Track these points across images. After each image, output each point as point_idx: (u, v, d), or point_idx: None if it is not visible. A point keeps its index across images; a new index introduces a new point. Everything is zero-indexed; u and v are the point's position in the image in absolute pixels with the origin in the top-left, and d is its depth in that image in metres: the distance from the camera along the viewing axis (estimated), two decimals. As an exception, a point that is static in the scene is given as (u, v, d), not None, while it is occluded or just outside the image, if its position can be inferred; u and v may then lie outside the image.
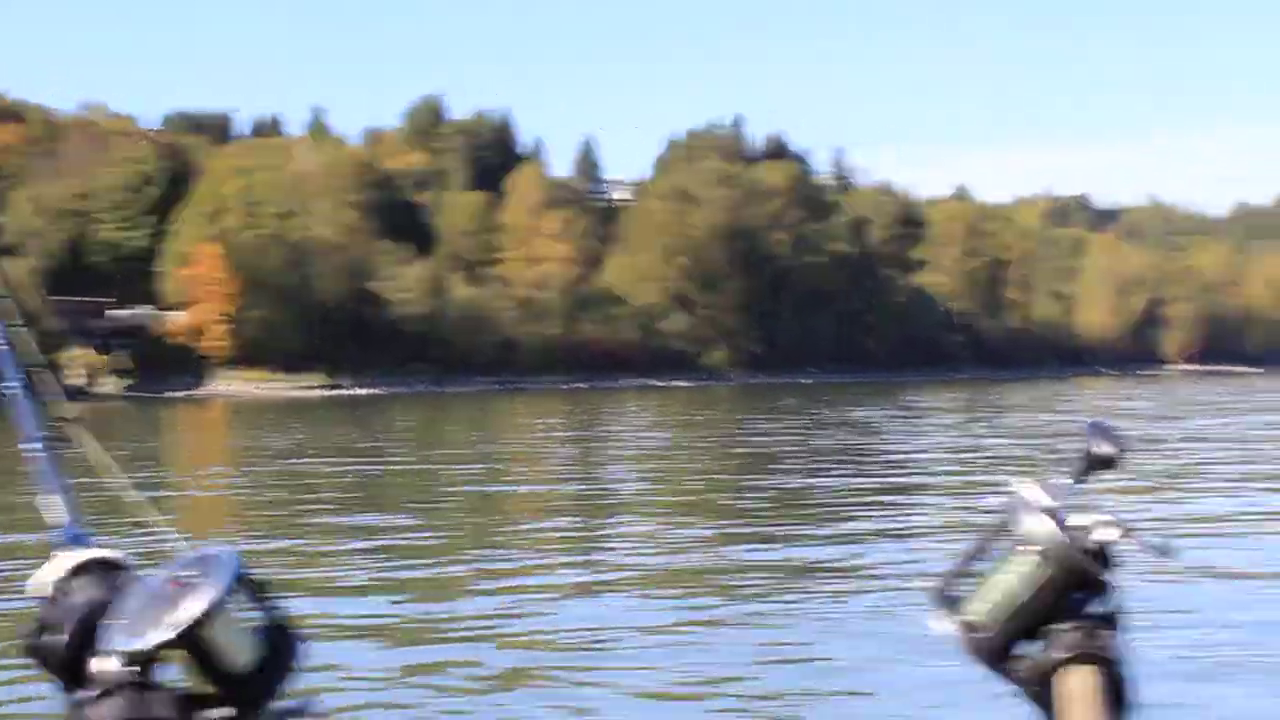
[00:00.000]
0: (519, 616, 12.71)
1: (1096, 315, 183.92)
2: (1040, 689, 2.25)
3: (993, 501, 2.23)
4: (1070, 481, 2.30)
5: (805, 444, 36.77)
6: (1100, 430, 2.34)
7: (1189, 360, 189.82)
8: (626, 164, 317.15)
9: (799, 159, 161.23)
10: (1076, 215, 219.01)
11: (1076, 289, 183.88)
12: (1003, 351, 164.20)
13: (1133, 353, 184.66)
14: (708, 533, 18.76)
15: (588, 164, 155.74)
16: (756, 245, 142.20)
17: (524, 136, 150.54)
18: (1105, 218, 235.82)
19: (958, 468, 28.84)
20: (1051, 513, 2.26)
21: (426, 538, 18.69)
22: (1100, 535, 2.25)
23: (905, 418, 53.10)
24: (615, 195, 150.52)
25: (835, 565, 15.06)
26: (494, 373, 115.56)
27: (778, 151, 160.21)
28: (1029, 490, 2.28)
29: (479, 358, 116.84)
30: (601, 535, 18.90)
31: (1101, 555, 2.27)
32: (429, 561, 16.23)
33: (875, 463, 30.11)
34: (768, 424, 48.15)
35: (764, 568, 15.09)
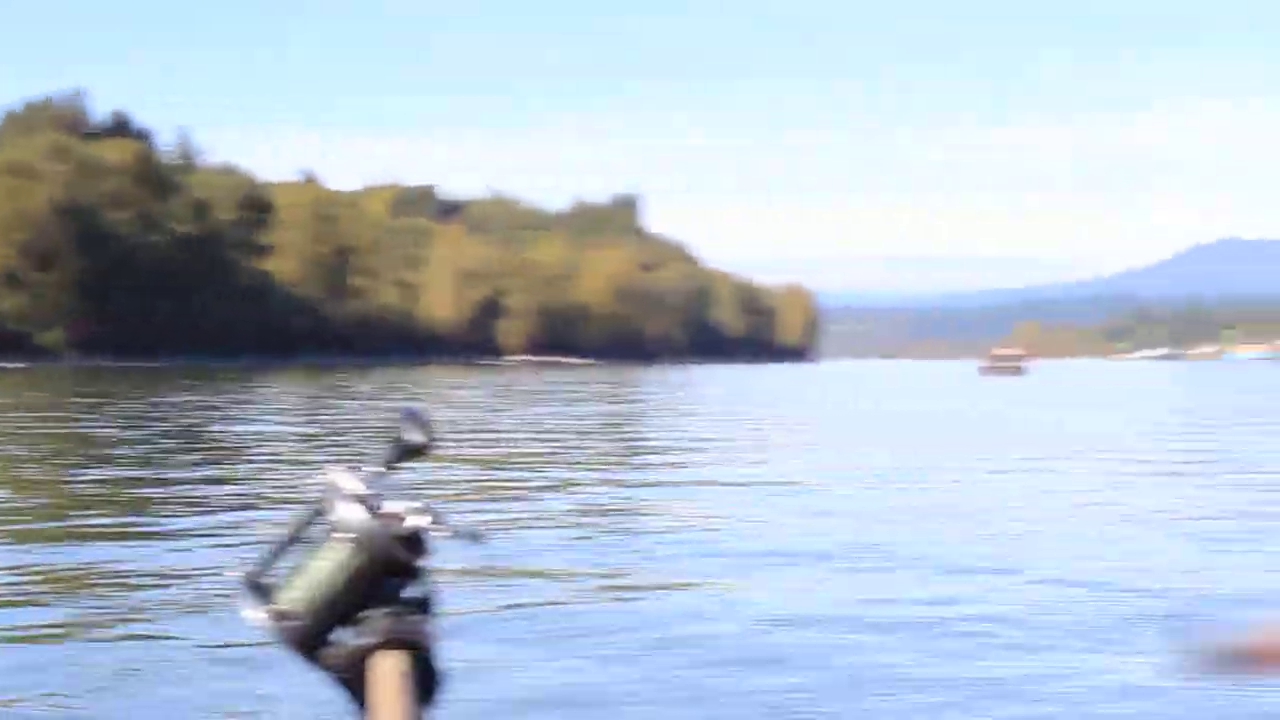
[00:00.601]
0: None
1: (439, 305, 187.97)
2: (353, 675, 2.27)
3: (309, 489, 2.22)
4: (383, 469, 2.32)
5: (137, 431, 35.87)
6: (412, 418, 2.35)
7: (527, 351, 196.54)
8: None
9: (143, 136, 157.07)
10: (423, 205, 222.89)
11: (421, 279, 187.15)
12: (347, 338, 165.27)
13: (474, 343, 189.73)
14: (25, 531, 18.00)
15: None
16: (97, 223, 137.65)
17: None
18: (451, 209, 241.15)
19: (286, 455, 28.79)
20: (363, 500, 2.28)
21: None
22: (412, 522, 2.28)
23: (243, 404, 52.66)
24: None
25: (157, 560, 14.75)
26: None
27: (121, 128, 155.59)
28: (342, 478, 2.30)
29: None
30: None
31: (415, 541, 2.29)
32: None
33: (205, 450, 29.67)
34: (101, 409, 46.71)
35: (85, 568, 14.60)
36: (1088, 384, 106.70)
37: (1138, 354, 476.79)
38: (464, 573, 12.98)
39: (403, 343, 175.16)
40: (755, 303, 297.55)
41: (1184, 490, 22.85)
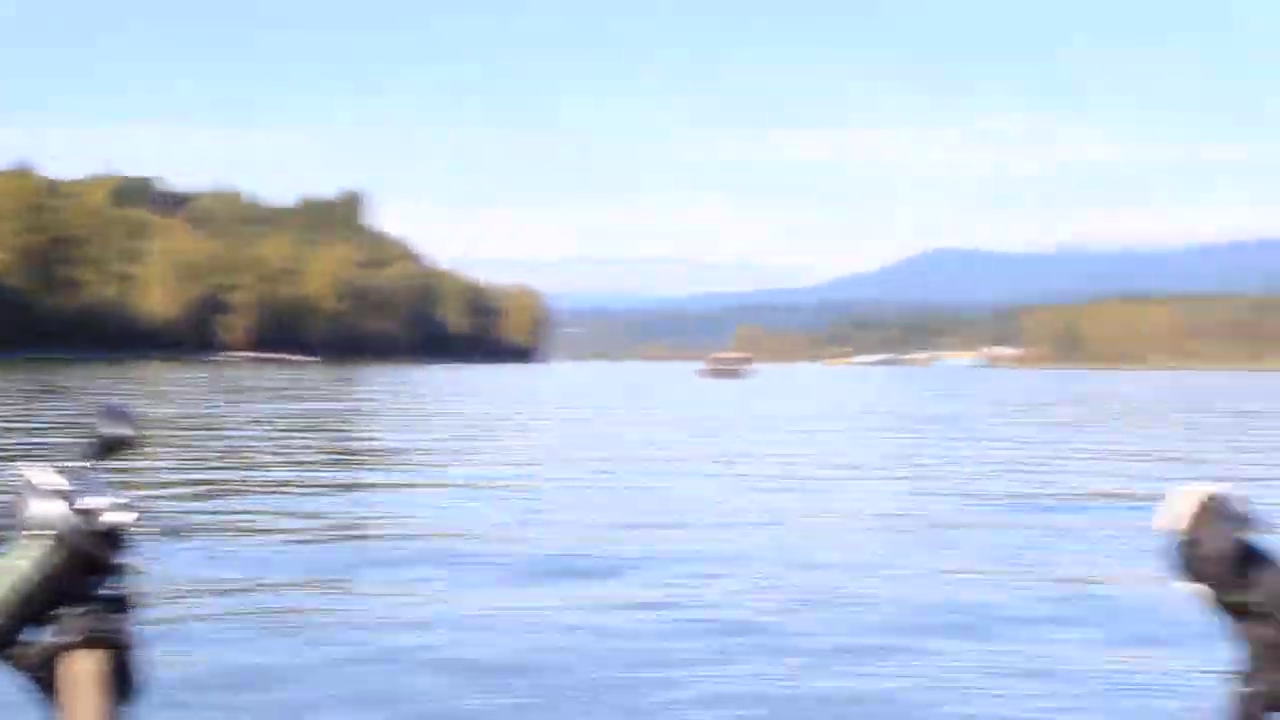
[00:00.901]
0: None
1: (159, 300, 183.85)
2: (47, 675, 2.23)
3: (5, 486, 2.26)
4: (84, 464, 2.29)
5: None
6: (113, 412, 2.34)
7: (249, 348, 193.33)
8: None
9: None
10: (143, 197, 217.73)
11: (140, 272, 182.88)
12: (61, 332, 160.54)
13: (195, 338, 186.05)
14: None
15: None
16: None
17: None
18: (175, 202, 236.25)
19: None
20: (62, 495, 2.25)
21: None
22: (112, 517, 2.24)
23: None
24: None
25: None
26: None
27: None
28: (40, 473, 2.27)
29: None
30: None
31: (114, 538, 2.26)
32: None
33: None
34: None
35: None
36: (800, 388, 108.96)
37: (855, 359, 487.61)
38: (173, 571, 12.92)
39: (120, 337, 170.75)
40: (482, 303, 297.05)
41: (887, 491, 23.61)
